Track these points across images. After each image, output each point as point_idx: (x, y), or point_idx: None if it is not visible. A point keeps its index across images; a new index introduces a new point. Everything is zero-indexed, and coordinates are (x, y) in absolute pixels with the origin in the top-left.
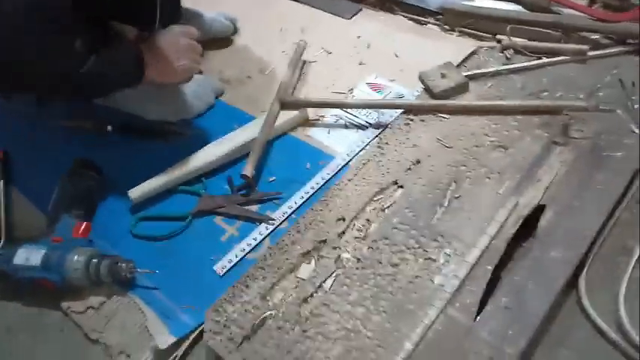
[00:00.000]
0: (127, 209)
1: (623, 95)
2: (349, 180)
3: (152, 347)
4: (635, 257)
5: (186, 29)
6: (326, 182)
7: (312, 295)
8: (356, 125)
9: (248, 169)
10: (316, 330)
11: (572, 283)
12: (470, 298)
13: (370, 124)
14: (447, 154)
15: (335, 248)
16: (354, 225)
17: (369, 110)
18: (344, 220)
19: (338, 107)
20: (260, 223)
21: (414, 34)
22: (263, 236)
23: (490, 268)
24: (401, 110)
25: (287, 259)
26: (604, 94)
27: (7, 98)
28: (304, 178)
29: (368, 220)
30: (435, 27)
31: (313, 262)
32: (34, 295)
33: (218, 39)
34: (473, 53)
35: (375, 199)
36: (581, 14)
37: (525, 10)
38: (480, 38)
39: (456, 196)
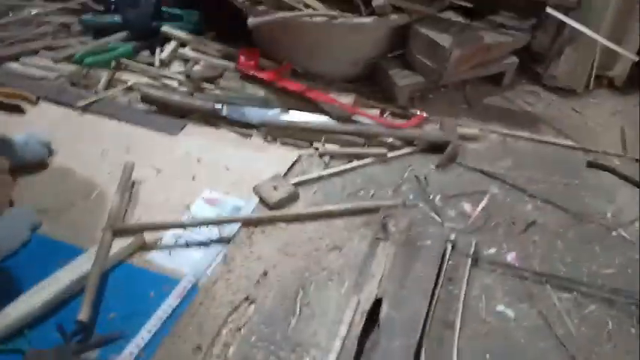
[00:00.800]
0: None
1: (420, 189)
2: (200, 304)
3: None
4: (457, 329)
5: None
6: (174, 310)
7: None
8: (198, 243)
9: (84, 313)
10: None
11: None
12: None
13: (212, 239)
14: (290, 262)
15: None
16: (212, 352)
17: (210, 225)
18: (200, 349)
19: (176, 227)
20: None
21: (240, 146)
22: None
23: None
24: (240, 223)
25: None
26: (405, 188)
27: None
28: (149, 309)
29: (225, 344)
30: (258, 139)
31: None
32: None
33: (31, 165)
34: (296, 161)
35: (229, 320)
36: (375, 122)
37: (333, 121)
38: (300, 147)
39: (306, 302)
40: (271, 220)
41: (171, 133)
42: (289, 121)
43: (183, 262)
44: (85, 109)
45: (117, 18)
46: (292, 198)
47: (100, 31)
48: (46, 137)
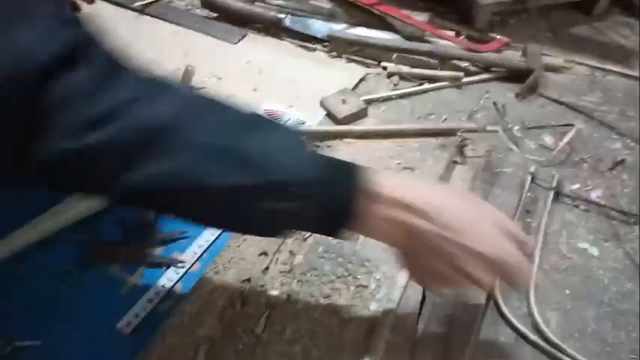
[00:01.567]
0: None
1: (497, 117)
2: None
3: None
4: (536, 262)
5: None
6: None
7: (243, 343)
8: None
9: None
10: None
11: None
12: (407, 321)
13: None
14: None
15: (261, 286)
16: (278, 259)
17: None
18: (266, 254)
19: None
20: (167, 268)
21: (303, 60)
22: (173, 282)
23: (420, 288)
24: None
25: (208, 305)
26: (480, 115)
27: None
28: None
29: (291, 251)
30: (323, 53)
31: (239, 304)
32: None
33: None
34: (362, 79)
35: None
36: (452, 44)
37: (404, 40)
38: (367, 65)
39: None
40: (341, 135)
41: (231, 42)
42: (357, 37)
43: None
44: (142, 10)
45: None
46: (361, 114)
47: None
48: None
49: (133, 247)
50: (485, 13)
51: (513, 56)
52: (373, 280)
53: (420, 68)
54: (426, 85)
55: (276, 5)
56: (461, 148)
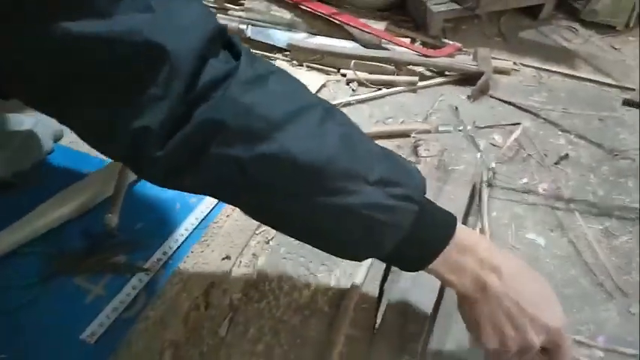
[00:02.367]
0: None
1: (451, 119)
2: (227, 216)
3: None
4: None
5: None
6: (201, 222)
7: (207, 345)
8: None
9: (112, 217)
10: None
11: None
12: (365, 314)
13: None
14: None
15: (225, 290)
16: (241, 262)
17: None
18: (229, 258)
19: None
20: (132, 276)
21: None
22: (138, 290)
23: (377, 283)
24: None
25: (173, 310)
26: (435, 117)
27: None
28: (176, 220)
29: (254, 254)
30: (284, 62)
31: (203, 308)
32: None
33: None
34: (323, 86)
35: (257, 232)
36: (407, 50)
37: (363, 47)
38: (327, 72)
39: None
40: None
41: None
42: (317, 45)
43: None
44: None
45: None
46: None
47: None
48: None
49: (97, 257)
50: (438, 20)
51: (465, 60)
52: (333, 277)
53: (378, 74)
54: (384, 90)
55: (238, 17)
56: (415, 149)
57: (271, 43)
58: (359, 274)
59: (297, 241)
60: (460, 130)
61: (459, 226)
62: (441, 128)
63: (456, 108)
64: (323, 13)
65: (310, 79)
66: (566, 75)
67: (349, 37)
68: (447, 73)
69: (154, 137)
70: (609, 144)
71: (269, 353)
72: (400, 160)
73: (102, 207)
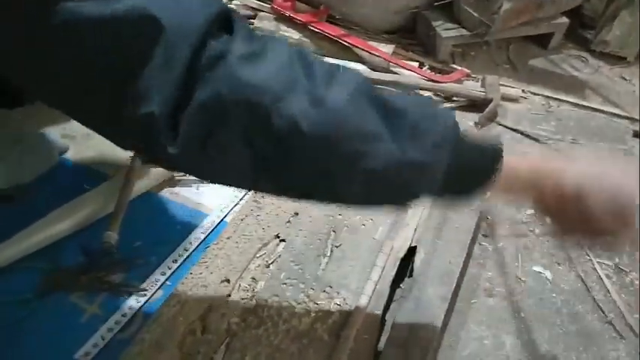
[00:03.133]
0: None
1: None
2: (228, 238)
3: None
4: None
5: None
6: (201, 242)
7: None
8: None
9: (111, 235)
10: None
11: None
12: (365, 345)
13: None
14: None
15: (223, 314)
16: (240, 285)
17: None
18: (228, 281)
19: None
20: (129, 296)
21: None
22: (134, 311)
23: (379, 312)
24: None
25: (169, 333)
26: None
27: None
28: (175, 239)
29: (254, 278)
30: None
31: (199, 332)
32: None
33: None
34: None
35: (258, 255)
36: (415, 74)
37: (370, 70)
38: None
39: (337, 244)
40: None
41: None
42: None
43: (211, 197)
44: None
45: None
46: None
47: None
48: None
49: (94, 275)
50: (446, 45)
51: (473, 87)
52: (333, 305)
53: None
54: None
55: None
56: None
57: None
58: (361, 302)
59: (298, 267)
60: None
61: (507, 156)
62: None
63: None
64: (331, 35)
65: None
66: (575, 104)
67: (357, 59)
68: (454, 98)
69: (161, 122)
70: None
71: None
72: (423, 102)
73: (101, 223)
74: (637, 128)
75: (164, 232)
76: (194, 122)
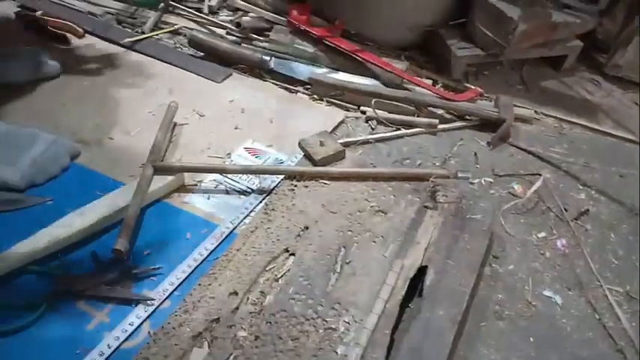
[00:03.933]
0: None
1: (469, 164)
2: (238, 250)
3: None
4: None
5: None
6: (210, 253)
7: None
8: (237, 191)
9: (122, 242)
10: None
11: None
12: None
13: (252, 189)
14: (333, 219)
15: (230, 327)
16: (248, 299)
17: (250, 175)
18: (237, 294)
19: (218, 172)
20: (136, 305)
21: (286, 101)
22: (141, 320)
23: (388, 332)
24: (282, 176)
25: (175, 344)
26: (454, 162)
27: None
28: (185, 249)
29: (262, 292)
30: (304, 96)
31: (206, 345)
32: None
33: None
34: (341, 122)
35: (267, 268)
36: (428, 92)
37: (384, 86)
38: (346, 108)
39: (347, 261)
40: (317, 176)
41: (216, 81)
42: (338, 81)
43: (222, 208)
44: (131, 46)
45: None
46: (338, 156)
47: None
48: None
49: (104, 282)
50: (461, 64)
51: (486, 106)
52: (342, 323)
53: (398, 114)
54: (403, 131)
55: (262, 47)
56: (433, 194)
57: (294, 76)
58: (370, 320)
59: (307, 282)
60: (478, 178)
61: None
62: (460, 174)
63: (475, 154)
64: (346, 50)
65: (329, 114)
66: (587, 127)
67: (370, 74)
68: (467, 117)
69: None
70: (630, 202)
71: None
72: None
73: (112, 230)
74: None
75: (174, 242)
76: None
